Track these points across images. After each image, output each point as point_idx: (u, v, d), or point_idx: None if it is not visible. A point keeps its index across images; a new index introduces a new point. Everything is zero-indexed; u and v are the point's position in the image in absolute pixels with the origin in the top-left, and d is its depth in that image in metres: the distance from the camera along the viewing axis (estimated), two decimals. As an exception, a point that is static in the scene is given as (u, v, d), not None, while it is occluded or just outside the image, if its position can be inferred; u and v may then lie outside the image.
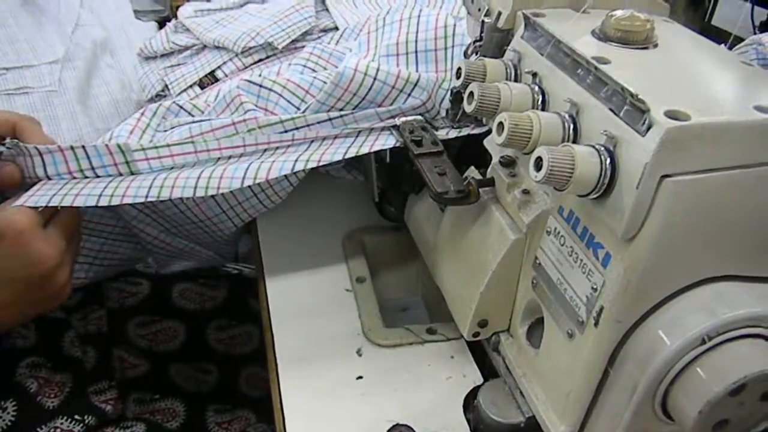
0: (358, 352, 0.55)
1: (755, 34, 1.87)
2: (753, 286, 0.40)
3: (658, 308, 0.40)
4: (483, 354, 0.56)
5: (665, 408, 0.40)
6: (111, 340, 0.73)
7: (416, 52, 0.62)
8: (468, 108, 0.44)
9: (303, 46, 0.80)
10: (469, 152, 0.58)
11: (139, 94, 0.99)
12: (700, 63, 0.44)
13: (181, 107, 0.65)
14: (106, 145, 0.52)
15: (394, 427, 0.49)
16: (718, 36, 1.04)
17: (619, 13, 0.44)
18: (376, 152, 0.57)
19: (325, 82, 0.59)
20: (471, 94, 0.44)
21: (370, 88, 0.57)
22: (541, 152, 0.37)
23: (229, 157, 0.55)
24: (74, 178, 0.51)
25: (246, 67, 0.86)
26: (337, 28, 0.89)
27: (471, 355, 0.56)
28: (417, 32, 0.63)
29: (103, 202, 0.49)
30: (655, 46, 0.45)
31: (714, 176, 0.36)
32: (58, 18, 1.07)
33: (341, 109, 0.58)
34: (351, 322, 0.58)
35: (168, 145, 0.53)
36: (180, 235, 0.70)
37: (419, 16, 0.64)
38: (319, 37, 0.88)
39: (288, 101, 0.61)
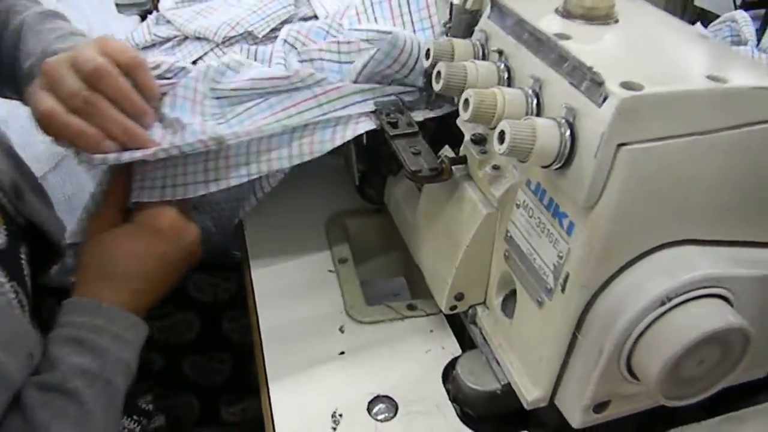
0: (341, 329, 0.57)
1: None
2: (710, 249, 0.42)
3: (621, 273, 0.41)
4: (462, 327, 0.57)
5: (630, 368, 0.42)
6: None
7: (413, 24, 0.65)
8: (436, 87, 0.46)
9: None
10: (444, 132, 0.60)
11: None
12: (659, 37, 0.46)
13: (228, 66, 0.64)
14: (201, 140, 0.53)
15: (374, 398, 0.51)
16: (704, 17, 1.05)
17: (580, -10, 0.46)
18: (356, 138, 0.59)
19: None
20: (438, 73, 0.46)
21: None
22: (504, 125, 0.38)
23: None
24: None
25: (227, 57, 0.87)
26: (317, 17, 0.90)
27: (450, 328, 0.58)
28: (409, 4, 0.65)
29: (213, 188, 0.55)
30: (617, 21, 0.46)
31: (669, 144, 0.38)
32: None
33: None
34: (334, 301, 0.60)
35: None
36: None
37: None
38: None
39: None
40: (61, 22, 0.64)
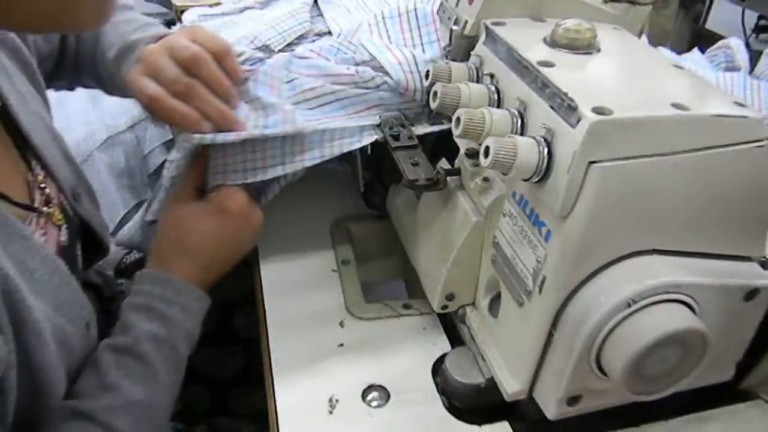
0: (341, 324, 0.62)
1: (746, 38, 1.93)
2: (674, 259, 0.46)
3: (593, 277, 0.46)
4: (453, 326, 0.62)
5: (600, 364, 0.47)
6: None
7: (421, 38, 0.70)
8: (433, 105, 0.51)
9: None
10: (443, 146, 0.64)
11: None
12: (635, 67, 0.50)
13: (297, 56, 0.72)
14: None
15: (369, 387, 0.56)
16: (712, 41, 1.09)
17: (566, 22, 0.51)
18: (362, 148, 0.64)
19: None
20: (435, 93, 0.51)
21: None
22: (489, 141, 0.43)
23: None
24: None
25: (245, 69, 0.92)
26: (330, 33, 0.96)
27: (442, 327, 0.63)
28: (417, 19, 0.71)
29: (289, 170, 0.62)
30: (599, 51, 0.51)
31: (635, 162, 0.42)
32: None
33: None
34: (335, 298, 0.65)
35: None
36: None
37: (415, 9, 0.71)
38: (314, 41, 0.95)
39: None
40: (132, 13, 0.72)
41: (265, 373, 0.57)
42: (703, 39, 1.34)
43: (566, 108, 0.43)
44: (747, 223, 0.47)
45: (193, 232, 0.59)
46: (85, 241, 0.63)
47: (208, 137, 0.58)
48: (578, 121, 0.41)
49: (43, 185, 0.56)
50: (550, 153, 0.43)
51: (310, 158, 0.63)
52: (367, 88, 0.65)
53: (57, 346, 0.47)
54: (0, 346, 0.40)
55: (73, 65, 0.75)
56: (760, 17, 1.71)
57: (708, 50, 1.12)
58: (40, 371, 0.45)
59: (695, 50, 1.12)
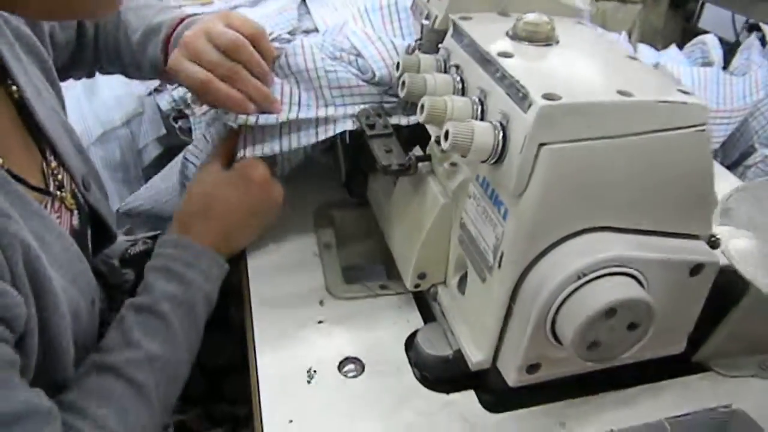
0: (321, 303, 0.66)
1: (736, 36, 1.96)
2: (623, 236, 0.50)
3: (547, 252, 0.50)
4: (426, 304, 0.66)
5: (555, 334, 0.50)
6: None
7: (402, 30, 0.75)
8: (401, 93, 0.55)
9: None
10: (418, 135, 0.68)
11: (139, 89, 1.09)
12: (589, 57, 0.54)
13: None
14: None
15: (345, 359, 0.60)
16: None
17: (526, 16, 0.54)
18: (343, 139, 0.68)
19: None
20: (403, 83, 0.54)
21: None
22: (448, 126, 0.47)
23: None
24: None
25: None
26: (317, 30, 0.99)
27: (416, 305, 0.66)
28: (398, 12, 0.75)
29: (308, 141, 0.66)
30: (557, 43, 0.55)
31: (583, 144, 0.46)
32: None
33: None
34: (317, 279, 0.68)
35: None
36: None
37: (396, 3, 0.75)
38: (301, 38, 0.98)
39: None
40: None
41: (248, 346, 0.61)
42: (694, 37, 1.38)
43: (520, 95, 0.47)
44: (691, 203, 0.51)
45: (217, 198, 0.64)
46: (93, 229, 0.67)
47: (252, 118, 0.64)
48: (529, 106, 0.45)
49: (56, 172, 0.60)
50: (505, 136, 0.47)
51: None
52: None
53: (70, 318, 0.50)
54: (20, 304, 0.43)
55: (92, 53, 0.79)
56: (751, 15, 1.74)
57: (685, 47, 1.16)
58: (55, 340, 0.49)
59: (672, 46, 1.16)
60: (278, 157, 0.75)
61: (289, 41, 0.74)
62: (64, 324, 0.49)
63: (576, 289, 0.48)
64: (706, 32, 1.67)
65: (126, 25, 0.74)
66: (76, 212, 0.61)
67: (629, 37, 1.65)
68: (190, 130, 1.01)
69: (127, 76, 0.82)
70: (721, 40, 1.15)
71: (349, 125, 0.67)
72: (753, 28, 1.83)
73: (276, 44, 0.71)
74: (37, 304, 0.46)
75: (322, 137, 0.66)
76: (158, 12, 0.74)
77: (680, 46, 1.17)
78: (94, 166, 0.70)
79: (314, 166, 0.84)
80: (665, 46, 1.19)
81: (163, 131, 1.11)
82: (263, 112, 0.66)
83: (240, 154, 0.66)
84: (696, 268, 0.51)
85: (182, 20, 0.73)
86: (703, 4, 2.20)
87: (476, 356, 0.55)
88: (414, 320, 0.64)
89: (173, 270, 0.59)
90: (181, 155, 0.82)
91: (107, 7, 0.52)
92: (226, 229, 0.64)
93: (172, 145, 1.11)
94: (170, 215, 0.70)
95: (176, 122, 1.04)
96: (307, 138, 0.66)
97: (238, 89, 0.63)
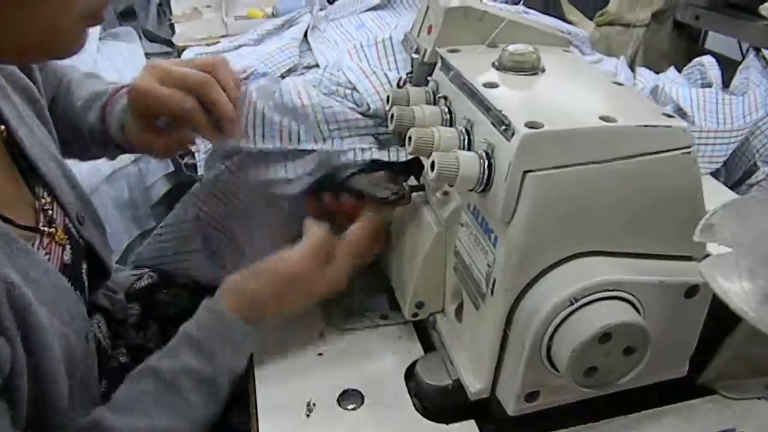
0: (321, 335, 0.66)
1: (743, 57, 1.97)
2: (615, 260, 0.50)
3: (539, 278, 0.50)
4: (427, 333, 0.66)
5: (552, 362, 0.50)
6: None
7: (396, 63, 0.76)
8: (390, 126, 0.56)
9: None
10: (413, 165, 0.69)
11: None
12: (573, 85, 0.55)
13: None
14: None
15: (344, 391, 0.60)
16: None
17: (511, 47, 0.55)
18: None
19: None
20: (392, 115, 0.55)
21: None
22: (434, 156, 0.48)
23: None
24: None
25: (238, 102, 0.98)
26: (318, 65, 1.01)
27: (417, 335, 0.66)
28: (393, 47, 0.76)
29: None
30: (543, 71, 0.56)
31: (568, 171, 0.46)
32: (78, 62, 1.21)
33: None
34: (317, 312, 0.69)
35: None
36: None
37: (391, 38, 0.76)
38: (302, 74, 1.00)
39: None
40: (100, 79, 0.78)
41: (248, 381, 0.61)
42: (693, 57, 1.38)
43: (503, 124, 0.47)
44: (683, 224, 0.51)
45: (266, 293, 0.61)
46: (89, 264, 0.67)
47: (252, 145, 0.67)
48: (512, 135, 0.46)
49: (47, 208, 0.61)
50: (490, 165, 0.48)
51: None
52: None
53: (61, 353, 0.51)
54: (3, 346, 0.44)
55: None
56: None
57: (684, 69, 1.17)
58: (46, 376, 0.49)
59: (671, 69, 1.16)
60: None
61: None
62: (55, 358, 0.49)
63: (569, 315, 0.48)
64: (712, 53, 1.68)
65: (74, 96, 0.76)
66: (68, 247, 0.61)
67: (632, 60, 1.66)
68: (195, 166, 1.03)
69: (90, 152, 0.82)
70: (728, 60, 1.15)
71: (350, 156, 0.68)
72: (758, 49, 1.83)
73: (262, 80, 0.73)
74: (24, 342, 0.46)
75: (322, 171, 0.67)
76: (105, 83, 0.77)
77: (681, 70, 1.18)
78: (89, 200, 0.70)
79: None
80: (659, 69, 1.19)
81: (171, 168, 1.13)
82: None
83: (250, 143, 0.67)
84: (691, 290, 0.51)
85: (122, 88, 0.75)
86: (708, 25, 2.21)
87: (475, 385, 0.55)
88: (414, 350, 0.64)
89: (204, 345, 0.57)
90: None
91: (68, 48, 0.52)
92: (267, 314, 0.61)
93: (180, 182, 1.13)
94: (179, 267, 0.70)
95: (182, 158, 1.06)
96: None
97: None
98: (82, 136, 0.77)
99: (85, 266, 0.65)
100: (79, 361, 0.54)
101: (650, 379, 0.56)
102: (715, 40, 2.31)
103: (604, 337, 0.47)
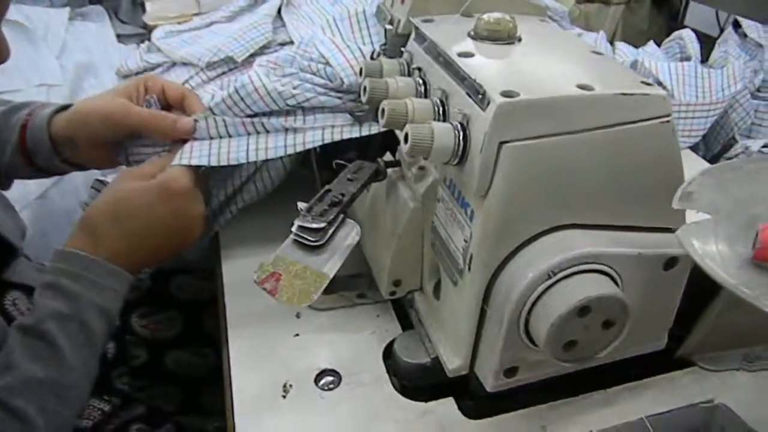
0: (297, 315, 0.65)
1: (720, 33, 1.97)
2: (593, 232, 0.49)
3: (516, 252, 0.49)
4: (405, 312, 0.65)
5: (530, 335, 0.49)
6: (121, 331, 0.82)
7: (371, 37, 0.74)
8: (363, 98, 0.54)
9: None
10: (390, 141, 0.68)
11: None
12: (550, 54, 0.53)
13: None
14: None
15: (321, 371, 0.58)
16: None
17: (486, 16, 0.54)
18: (315, 150, 0.68)
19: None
20: (364, 88, 0.54)
21: None
22: (408, 128, 0.46)
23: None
24: (211, 138, 0.66)
25: (211, 80, 0.95)
26: (293, 42, 0.99)
27: (395, 314, 0.65)
28: (366, 20, 0.75)
29: (252, 158, 0.64)
30: (519, 41, 0.54)
31: (545, 141, 0.45)
32: (46, 43, 1.17)
33: None
34: (294, 291, 0.67)
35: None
36: None
37: (364, 11, 0.74)
38: (276, 51, 0.98)
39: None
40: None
41: (223, 365, 0.60)
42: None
43: (479, 94, 0.46)
44: (661, 195, 0.50)
45: (128, 202, 0.59)
46: None
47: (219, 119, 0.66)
48: (488, 105, 0.45)
49: None
50: (465, 137, 0.46)
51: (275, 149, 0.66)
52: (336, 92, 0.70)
53: None
54: None
55: None
56: (736, 12, 1.75)
57: (663, 43, 1.16)
58: None
59: (651, 43, 1.16)
60: (262, 173, 0.75)
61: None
62: None
63: (547, 289, 0.47)
64: (691, 30, 1.68)
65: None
66: None
67: (611, 39, 1.64)
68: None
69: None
70: (706, 36, 1.15)
71: (318, 138, 0.66)
72: (737, 24, 1.83)
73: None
74: None
75: (291, 151, 0.66)
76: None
77: (660, 45, 1.17)
78: None
79: (292, 177, 0.83)
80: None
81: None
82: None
83: (185, 160, 0.63)
84: (670, 262, 0.50)
85: (41, 106, 0.72)
86: (687, 2, 2.21)
87: (453, 362, 0.54)
88: (393, 329, 0.63)
89: (59, 284, 0.55)
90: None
91: None
92: (132, 238, 0.59)
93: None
94: None
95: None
96: (275, 152, 0.65)
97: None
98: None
99: None
100: None
101: (629, 352, 0.55)
102: (693, 17, 2.31)
103: (583, 310, 0.46)
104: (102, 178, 0.77)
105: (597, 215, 0.49)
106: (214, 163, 0.64)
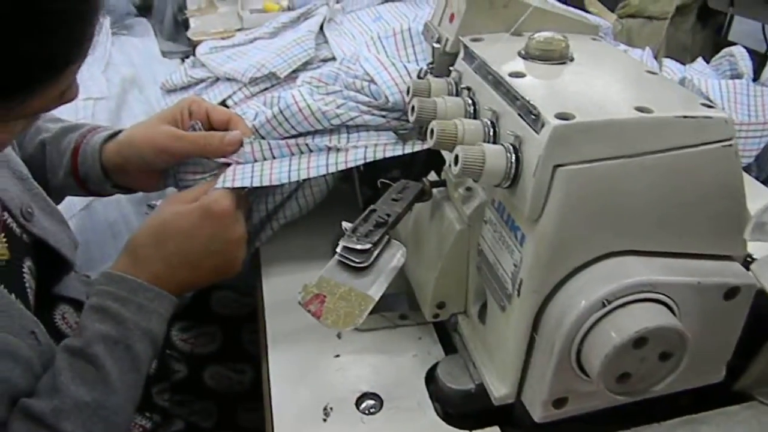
0: (338, 336, 0.64)
1: (768, 47, 1.90)
2: (649, 259, 0.47)
3: (569, 279, 0.47)
4: (448, 335, 0.63)
5: (582, 366, 0.47)
6: (162, 345, 0.82)
7: (416, 55, 0.74)
8: (411, 118, 0.53)
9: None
10: (434, 160, 0.67)
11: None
12: (605, 74, 0.52)
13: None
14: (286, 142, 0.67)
15: (363, 395, 0.57)
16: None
17: (538, 35, 0.53)
18: (358, 167, 0.67)
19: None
20: (413, 107, 0.53)
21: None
22: (458, 150, 0.45)
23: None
24: (256, 160, 0.67)
25: (253, 95, 0.96)
26: (335, 59, 0.99)
27: (437, 336, 0.64)
28: (411, 38, 0.75)
29: (294, 177, 0.64)
30: (572, 60, 0.53)
31: (601, 165, 0.44)
32: (92, 57, 1.20)
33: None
34: (334, 311, 0.67)
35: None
36: None
37: (409, 29, 0.74)
38: (318, 67, 0.98)
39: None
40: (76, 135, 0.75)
41: (263, 384, 0.59)
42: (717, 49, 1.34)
43: (532, 116, 0.45)
44: (722, 222, 0.48)
45: (171, 226, 0.60)
46: (43, 261, 0.64)
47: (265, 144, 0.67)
48: (542, 127, 0.43)
49: None
50: (518, 159, 0.45)
51: (317, 168, 0.66)
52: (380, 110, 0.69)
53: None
54: None
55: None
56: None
57: (712, 60, 1.13)
58: None
59: (699, 60, 1.12)
60: (304, 190, 0.74)
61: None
62: None
63: (601, 318, 0.45)
64: (736, 45, 1.63)
65: (49, 162, 0.74)
66: (4, 248, 0.58)
67: (656, 55, 1.61)
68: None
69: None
70: (752, 52, 1.11)
71: (361, 156, 0.65)
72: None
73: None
74: None
75: (333, 170, 0.65)
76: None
77: (709, 61, 1.14)
78: (41, 193, 0.67)
79: (331, 193, 0.82)
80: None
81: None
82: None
83: (228, 183, 0.64)
84: (731, 292, 0.48)
85: (91, 130, 0.74)
86: (732, 16, 2.16)
87: (499, 390, 0.53)
88: (435, 352, 0.62)
89: (107, 308, 0.55)
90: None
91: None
92: (172, 260, 0.60)
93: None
94: None
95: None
96: (317, 171, 0.65)
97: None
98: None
99: (29, 264, 0.62)
100: (29, 358, 0.52)
101: (685, 384, 0.53)
102: (738, 32, 2.25)
103: (639, 341, 0.44)
104: (154, 203, 0.77)
105: (654, 241, 0.47)
106: (256, 184, 0.64)
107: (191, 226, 0.60)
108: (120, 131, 0.73)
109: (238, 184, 0.63)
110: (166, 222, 0.61)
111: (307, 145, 0.67)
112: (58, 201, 0.76)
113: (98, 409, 0.52)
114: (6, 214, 0.61)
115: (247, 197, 0.68)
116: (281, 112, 0.67)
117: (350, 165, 0.65)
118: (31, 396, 0.51)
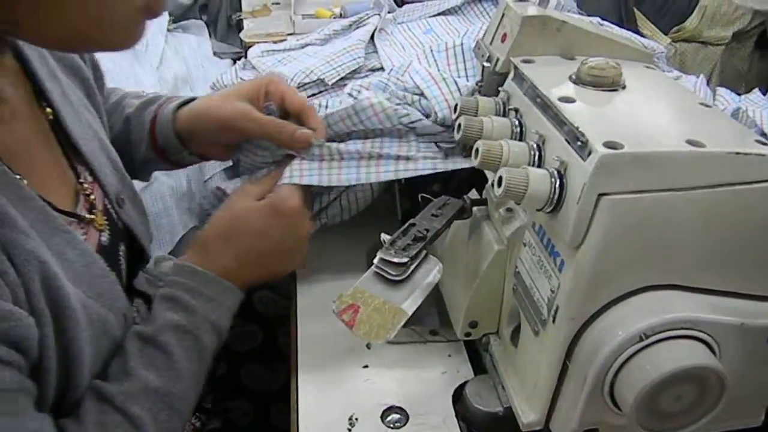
0: (368, 346, 0.64)
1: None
2: (692, 295, 0.46)
3: (607, 309, 0.46)
4: (478, 354, 0.63)
5: (614, 399, 0.47)
6: None
7: (466, 71, 0.74)
8: (456, 137, 0.53)
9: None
10: (476, 178, 0.66)
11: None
12: (657, 104, 0.51)
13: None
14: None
15: (389, 408, 0.57)
16: None
17: (591, 60, 0.52)
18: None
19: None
20: (459, 125, 0.53)
21: None
22: (502, 172, 0.45)
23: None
24: (323, 160, 0.67)
25: (300, 101, 0.98)
26: (383, 69, 1.00)
27: (467, 354, 0.64)
28: (463, 53, 0.74)
29: (363, 179, 0.66)
30: (624, 88, 0.52)
31: (647, 196, 0.43)
32: (146, 54, 1.23)
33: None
34: (365, 321, 0.67)
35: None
36: None
37: (462, 44, 0.74)
38: (366, 76, 0.99)
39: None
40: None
41: (291, 389, 0.60)
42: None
43: (579, 142, 0.44)
44: (770, 262, 0.47)
45: (241, 221, 0.62)
46: (128, 248, 0.66)
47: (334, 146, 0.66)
48: (589, 155, 0.43)
49: (88, 192, 0.60)
50: (562, 185, 0.45)
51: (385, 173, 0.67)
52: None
53: (94, 333, 0.50)
54: (30, 326, 0.43)
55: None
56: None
57: (769, 90, 1.09)
58: (74, 355, 0.48)
59: (756, 90, 1.09)
60: (349, 194, 0.75)
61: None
62: (83, 339, 0.48)
63: (638, 352, 0.45)
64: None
65: (134, 136, 0.76)
66: (107, 231, 0.60)
67: (709, 80, 1.57)
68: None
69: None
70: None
71: (429, 166, 0.66)
72: None
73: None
74: (54, 320, 0.46)
75: (401, 176, 0.65)
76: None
77: (766, 93, 1.10)
78: (130, 184, 0.69)
79: (372, 204, 0.83)
80: (749, 91, 1.12)
81: (230, 163, 1.13)
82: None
83: (296, 179, 0.64)
84: (775, 335, 0.47)
85: (168, 100, 0.75)
86: (791, 45, 2.09)
87: (528, 416, 0.52)
88: (464, 371, 0.62)
89: (178, 297, 0.57)
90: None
91: (124, 40, 0.50)
92: (242, 257, 0.61)
93: (237, 177, 1.13)
94: None
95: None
96: (386, 175, 0.66)
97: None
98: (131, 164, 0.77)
99: (123, 249, 0.64)
100: (119, 338, 0.54)
101: (721, 426, 0.51)
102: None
103: (676, 379, 0.43)
104: (222, 186, 0.78)
105: (697, 278, 0.46)
106: (324, 183, 0.65)
107: (263, 225, 0.61)
108: (194, 99, 0.73)
109: (305, 181, 0.64)
110: (237, 218, 0.62)
111: (377, 152, 0.67)
112: (146, 177, 0.80)
113: (165, 396, 0.53)
114: (107, 200, 0.63)
115: (310, 194, 0.69)
116: (353, 105, 0.68)
117: (419, 173, 0.66)
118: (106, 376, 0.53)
